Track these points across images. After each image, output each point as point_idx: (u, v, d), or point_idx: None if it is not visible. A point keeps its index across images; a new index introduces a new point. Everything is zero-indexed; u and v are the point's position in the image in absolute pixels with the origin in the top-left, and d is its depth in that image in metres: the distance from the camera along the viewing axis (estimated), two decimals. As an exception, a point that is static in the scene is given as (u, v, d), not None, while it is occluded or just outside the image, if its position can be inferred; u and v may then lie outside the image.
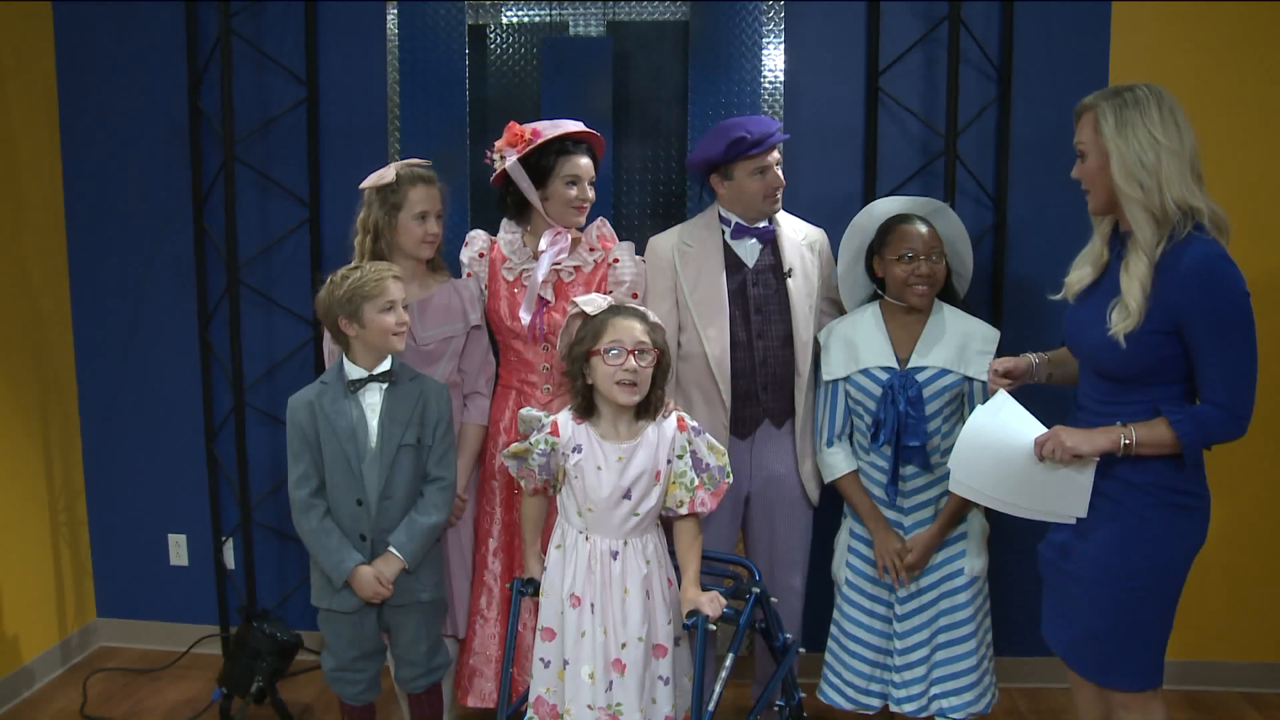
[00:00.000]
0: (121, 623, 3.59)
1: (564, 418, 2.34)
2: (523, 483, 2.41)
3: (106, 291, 3.45)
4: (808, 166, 3.13)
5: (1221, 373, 1.95)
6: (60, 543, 3.44)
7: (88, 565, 3.56)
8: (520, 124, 2.68)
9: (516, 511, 2.65)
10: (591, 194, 2.72)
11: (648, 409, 2.30)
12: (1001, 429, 2.16)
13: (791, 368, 2.70)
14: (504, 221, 2.80)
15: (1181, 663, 3.17)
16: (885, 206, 2.68)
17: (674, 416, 2.33)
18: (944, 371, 2.55)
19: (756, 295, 2.69)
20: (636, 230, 3.12)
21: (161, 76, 3.31)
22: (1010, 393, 2.23)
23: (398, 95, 3.22)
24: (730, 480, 2.35)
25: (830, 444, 2.69)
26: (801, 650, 2.70)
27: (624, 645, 2.23)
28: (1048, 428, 2.12)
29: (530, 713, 2.34)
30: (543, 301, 2.69)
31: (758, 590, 2.40)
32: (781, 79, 3.12)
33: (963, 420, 2.59)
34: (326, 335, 2.63)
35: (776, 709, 2.62)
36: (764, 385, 2.69)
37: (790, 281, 2.70)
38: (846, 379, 2.64)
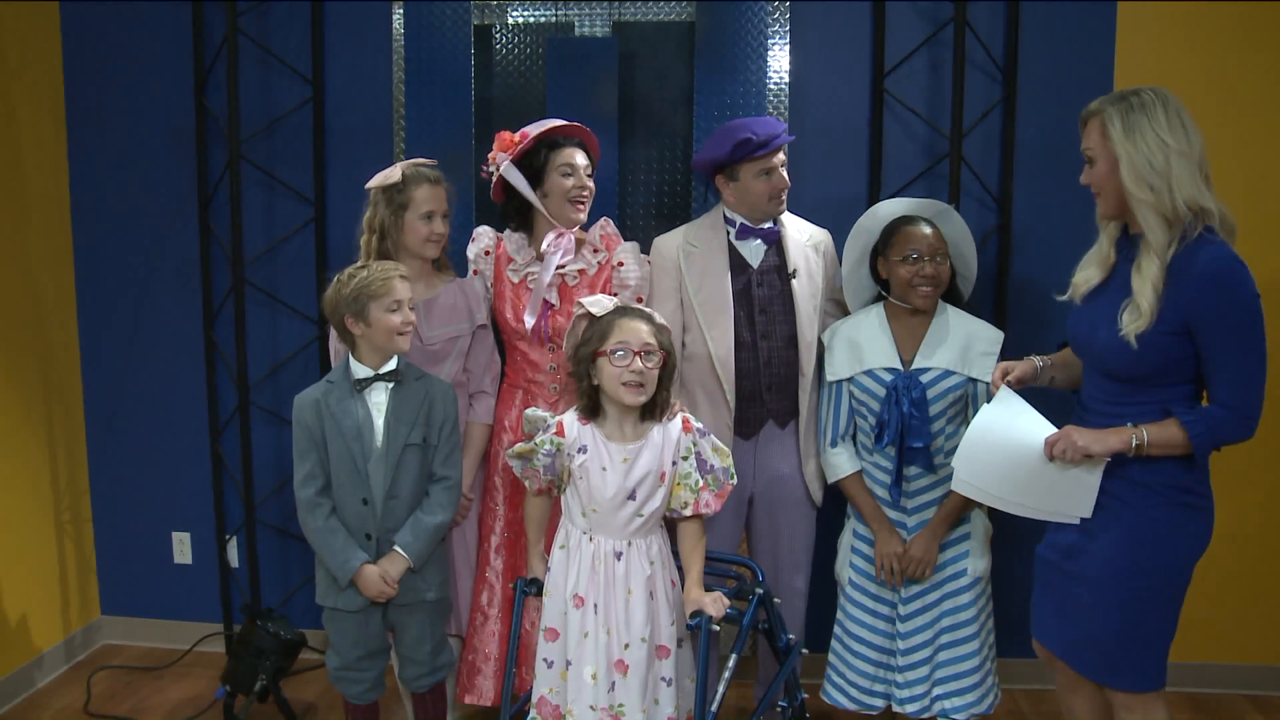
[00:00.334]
0: (125, 620, 3.59)
1: (569, 418, 2.34)
2: (527, 483, 2.41)
3: (111, 290, 3.46)
4: (813, 167, 3.13)
5: (1232, 374, 1.97)
6: (65, 540, 3.45)
7: (92, 563, 3.57)
8: (510, 131, 2.71)
9: (521, 510, 2.65)
10: (590, 185, 2.72)
11: (653, 410, 2.30)
12: (1009, 428, 2.15)
13: (795, 368, 2.70)
14: (507, 230, 2.81)
15: (1184, 664, 3.17)
16: (890, 208, 2.69)
17: (679, 418, 2.34)
18: (948, 373, 2.55)
19: (761, 296, 2.69)
20: (641, 231, 3.12)
21: (167, 76, 3.31)
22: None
23: (403, 95, 3.22)
24: (734, 482, 2.36)
25: (834, 444, 2.69)
26: (805, 651, 2.70)
27: (627, 646, 2.24)
28: (1056, 427, 2.12)
29: (533, 712, 2.34)
30: (547, 305, 2.70)
31: (761, 591, 2.40)
32: (787, 80, 3.12)
33: (967, 421, 2.59)
34: (332, 334, 2.64)
35: (779, 710, 2.62)
36: (768, 386, 2.70)
37: (795, 282, 2.70)
38: (850, 380, 2.64)
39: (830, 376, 2.68)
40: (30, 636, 3.26)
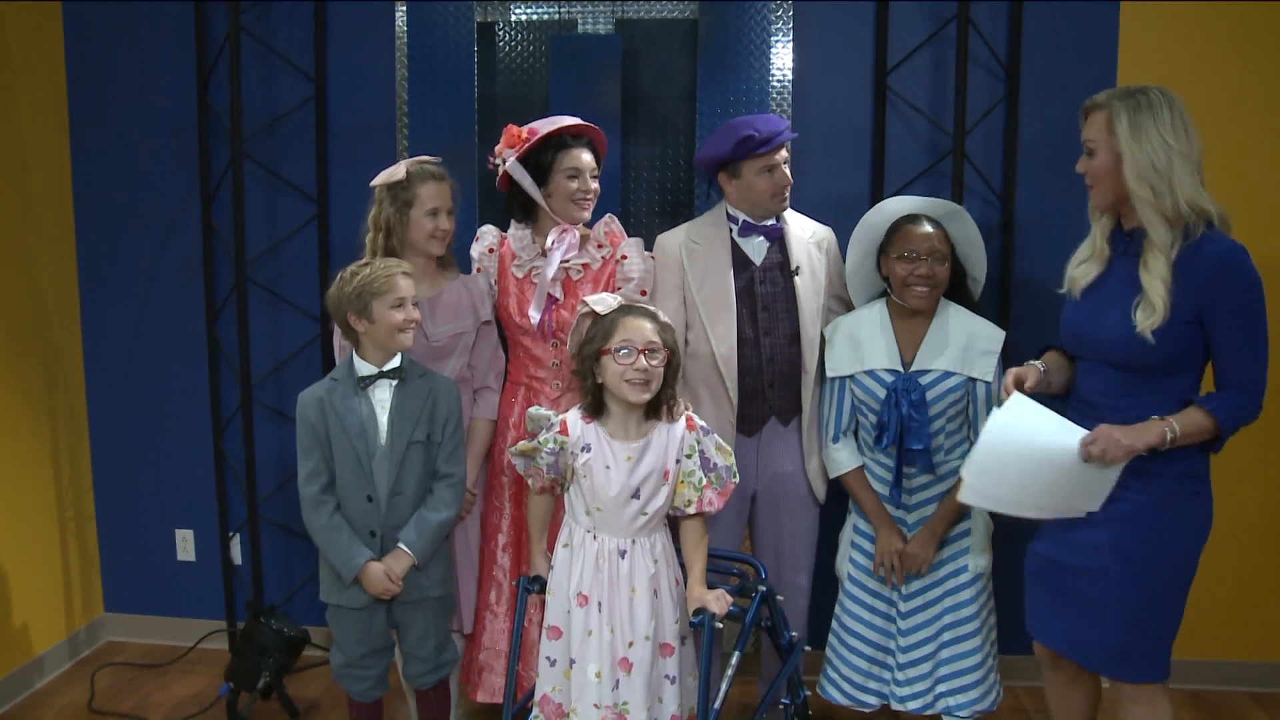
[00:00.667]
0: (129, 618, 3.60)
1: (573, 417, 2.34)
2: (530, 481, 2.41)
3: (114, 288, 3.46)
4: (816, 165, 3.13)
5: (1244, 358, 2.03)
6: (68, 538, 3.45)
7: (95, 560, 3.58)
8: (518, 125, 2.69)
9: (525, 507, 2.66)
10: (594, 186, 2.72)
11: (657, 408, 2.30)
12: (1032, 433, 2.08)
13: (798, 365, 2.70)
14: (513, 222, 2.81)
15: (1187, 662, 3.17)
16: (898, 205, 2.67)
17: (683, 416, 2.34)
18: (947, 374, 2.55)
19: (764, 293, 2.70)
20: (644, 228, 3.12)
21: (170, 74, 3.32)
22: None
23: (406, 93, 3.23)
24: (737, 480, 2.35)
25: (835, 440, 2.70)
26: (807, 648, 2.70)
27: (631, 644, 2.24)
28: (1084, 427, 2.07)
29: (535, 711, 2.34)
30: (551, 299, 2.70)
31: (764, 588, 2.40)
32: (790, 77, 3.12)
33: (968, 422, 2.60)
34: (336, 331, 2.64)
35: (782, 707, 2.62)
36: (771, 383, 2.70)
37: (797, 279, 2.70)
38: (851, 378, 2.64)
39: (830, 373, 2.68)
40: (33, 634, 3.27)
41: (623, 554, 2.27)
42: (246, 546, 3.37)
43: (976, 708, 2.61)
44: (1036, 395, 2.20)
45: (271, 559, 3.42)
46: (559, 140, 2.67)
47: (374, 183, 2.65)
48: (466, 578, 2.75)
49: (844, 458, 2.68)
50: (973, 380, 2.57)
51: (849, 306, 2.81)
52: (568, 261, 2.71)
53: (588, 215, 2.74)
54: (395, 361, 2.45)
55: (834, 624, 2.73)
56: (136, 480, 3.53)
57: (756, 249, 2.72)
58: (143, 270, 3.43)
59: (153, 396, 3.48)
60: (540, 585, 2.39)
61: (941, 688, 2.61)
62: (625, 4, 3.16)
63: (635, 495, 2.26)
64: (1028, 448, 2.08)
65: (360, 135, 3.28)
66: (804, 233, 2.77)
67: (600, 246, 2.75)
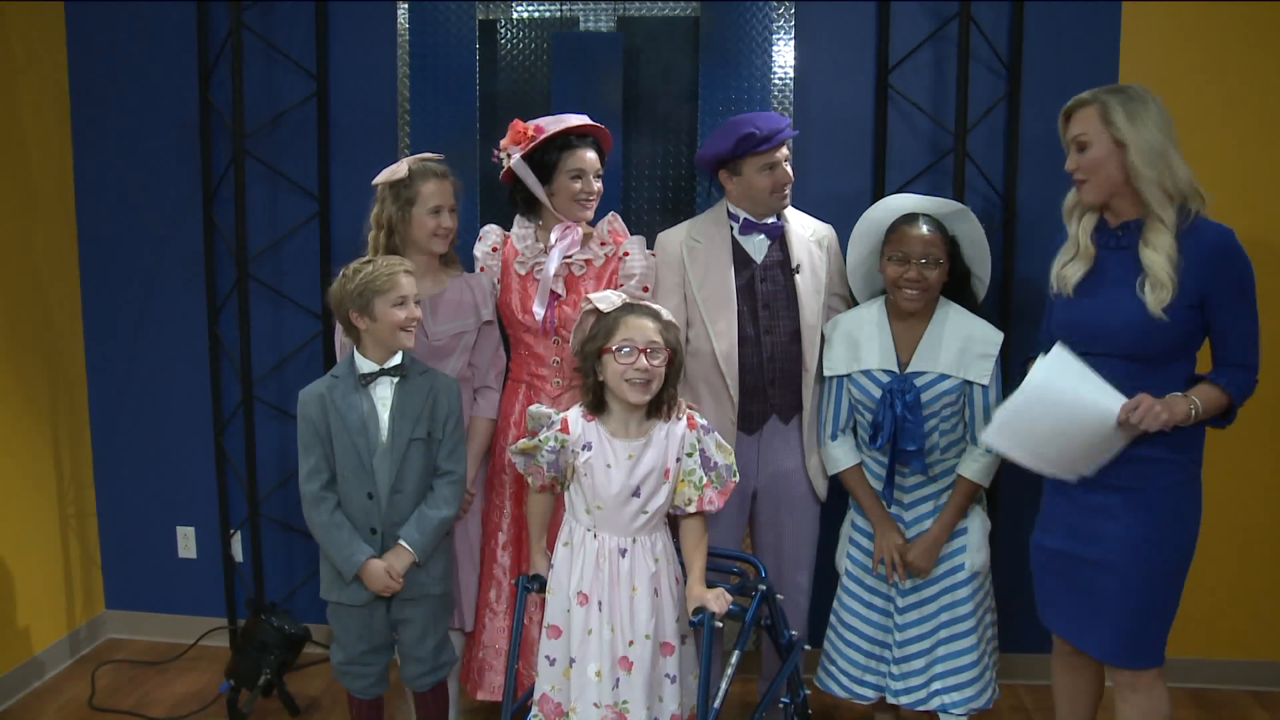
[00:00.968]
0: (130, 615, 3.60)
1: (574, 415, 2.34)
2: (529, 479, 2.40)
3: (116, 284, 3.46)
4: (817, 163, 3.13)
5: (1243, 337, 2.15)
6: (69, 535, 3.45)
7: (96, 557, 3.58)
8: (524, 121, 2.69)
9: (526, 505, 2.66)
10: (598, 187, 2.72)
11: (658, 407, 2.30)
12: (1071, 389, 2.11)
13: (799, 363, 2.70)
14: (517, 217, 2.81)
15: (1188, 660, 3.18)
16: (902, 202, 2.66)
17: (684, 414, 2.34)
18: (943, 377, 2.55)
19: (764, 291, 2.69)
20: (646, 225, 3.12)
21: (172, 71, 3.32)
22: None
23: (408, 90, 3.23)
24: (737, 479, 2.35)
25: (834, 437, 2.70)
26: (807, 647, 2.70)
27: (631, 643, 2.24)
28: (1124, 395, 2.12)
29: (535, 710, 2.34)
30: (554, 295, 2.70)
31: (764, 587, 2.40)
32: (791, 75, 3.12)
33: (964, 424, 2.59)
34: (338, 328, 2.64)
35: (782, 706, 2.62)
36: (771, 381, 2.70)
37: (798, 277, 2.70)
38: (848, 377, 2.64)
39: (827, 371, 2.68)
40: (34, 631, 3.27)
41: (623, 553, 2.27)
42: (247, 544, 3.38)
43: (972, 705, 2.60)
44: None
45: (272, 556, 3.43)
46: (564, 140, 2.66)
47: (376, 180, 2.64)
48: (467, 576, 2.76)
49: (842, 455, 2.68)
50: (969, 383, 2.56)
51: (850, 304, 2.80)
52: (570, 258, 2.71)
53: (590, 215, 2.74)
54: (396, 359, 2.45)
55: (832, 618, 2.74)
56: (137, 477, 3.53)
57: (757, 247, 2.72)
58: (144, 267, 3.43)
59: (154, 393, 3.48)
60: (539, 584, 2.39)
61: (937, 684, 2.61)
62: (627, 2, 3.16)
63: (636, 493, 2.26)
64: (1066, 402, 2.12)
65: (362, 132, 3.28)
66: (805, 231, 2.76)
67: (603, 244, 2.75)
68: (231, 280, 3.29)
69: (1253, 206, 3.04)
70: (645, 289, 2.72)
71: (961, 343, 2.55)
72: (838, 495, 2.77)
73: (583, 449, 2.29)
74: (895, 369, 2.57)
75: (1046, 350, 2.34)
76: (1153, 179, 2.12)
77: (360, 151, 3.27)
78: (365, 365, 2.44)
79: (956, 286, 2.66)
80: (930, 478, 2.60)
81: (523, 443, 2.36)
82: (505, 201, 2.88)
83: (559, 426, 2.32)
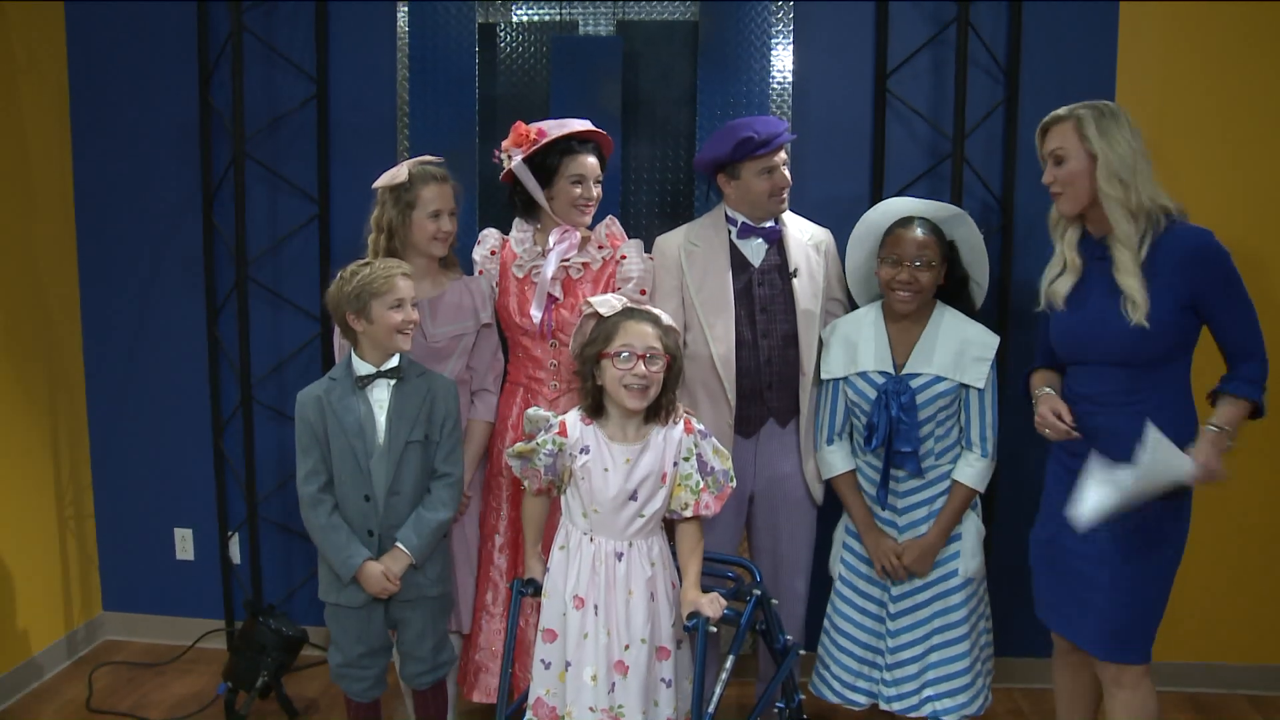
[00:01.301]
0: (127, 616, 3.60)
1: (572, 418, 2.34)
2: (525, 483, 2.41)
3: (115, 286, 3.47)
4: (815, 167, 3.14)
5: (1244, 328, 2.19)
6: (67, 536, 3.46)
7: (94, 559, 3.58)
8: (526, 124, 2.70)
9: (521, 509, 2.66)
10: (597, 193, 2.73)
11: (656, 412, 2.30)
12: (1157, 473, 2.14)
13: (796, 367, 2.71)
14: (516, 220, 2.82)
15: (1185, 664, 3.18)
16: (900, 205, 2.67)
17: (681, 419, 2.34)
18: (938, 379, 2.55)
19: (762, 295, 2.70)
20: (644, 229, 3.12)
21: (172, 73, 3.32)
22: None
23: (407, 93, 3.23)
24: (734, 485, 2.35)
25: (830, 442, 2.70)
26: (802, 652, 2.70)
27: (627, 647, 2.24)
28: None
29: (529, 714, 2.33)
30: (551, 298, 2.71)
31: (759, 592, 2.40)
32: (790, 80, 3.13)
33: (959, 428, 2.60)
34: (337, 330, 2.65)
35: (777, 710, 2.62)
36: (769, 384, 2.70)
37: (796, 281, 2.70)
38: (844, 380, 2.65)
39: (824, 375, 2.68)
40: (32, 632, 3.27)
41: (619, 556, 2.27)
42: (245, 546, 3.38)
43: (964, 712, 2.60)
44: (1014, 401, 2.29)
45: (270, 558, 3.43)
46: (566, 144, 2.67)
47: (376, 184, 2.65)
48: (465, 578, 2.76)
49: (837, 460, 2.69)
50: (965, 387, 2.57)
51: (847, 309, 2.81)
52: (568, 261, 2.71)
53: (588, 220, 2.75)
54: (394, 361, 2.45)
55: (825, 623, 2.74)
56: (136, 479, 3.53)
57: (755, 251, 2.72)
58: (144, 269, 3.44)
59: (153, 395, 3.49)
60: (534, 588, 2.39)
61: (929, 690, 2.61)
62: (626, 5, 3.16)
63: (633, 497, 2.26)
64: (1153, 481, 2.15)
65: (361, 135, 3.29)
66: (802, 235, 2.77)
67: (601, 247, 2.76)
68: (231, 282, 3.29)
69: (1251, 208, 3.05)
70: (643, 292, 2.72)
71: (958, 346, 2.56)
72: (834, 500, 2.77)
73: (580, 452, 2.29)
74: (891, 371, 2.58)
75: (1044, 361, 2.44)
76: (1116, 197, 2.18)
77: (360, 154, 3.27)
78: (362, 367, 2.44)
79: (954, 291, 2.66)
80: (924, 482, 2.60)
81: (519, 446, 2.36)
82: (504, 205, 2.89)
83: (557, 429, 2.32)
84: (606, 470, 2.26)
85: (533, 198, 2.73)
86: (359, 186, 3.08)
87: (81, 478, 3.52)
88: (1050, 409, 2.31)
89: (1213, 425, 2.17)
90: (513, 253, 2.78)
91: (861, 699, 2.67)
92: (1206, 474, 2.13)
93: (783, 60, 3.12)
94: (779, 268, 2.72)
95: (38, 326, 3.32)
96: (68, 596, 3.45)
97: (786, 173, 2.68)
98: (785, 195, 2.71)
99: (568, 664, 2.27)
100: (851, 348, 2.63)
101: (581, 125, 2.70)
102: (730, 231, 2.73)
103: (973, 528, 2.63)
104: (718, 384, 2.67)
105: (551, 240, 2.71)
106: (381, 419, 2.44)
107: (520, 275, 2.75)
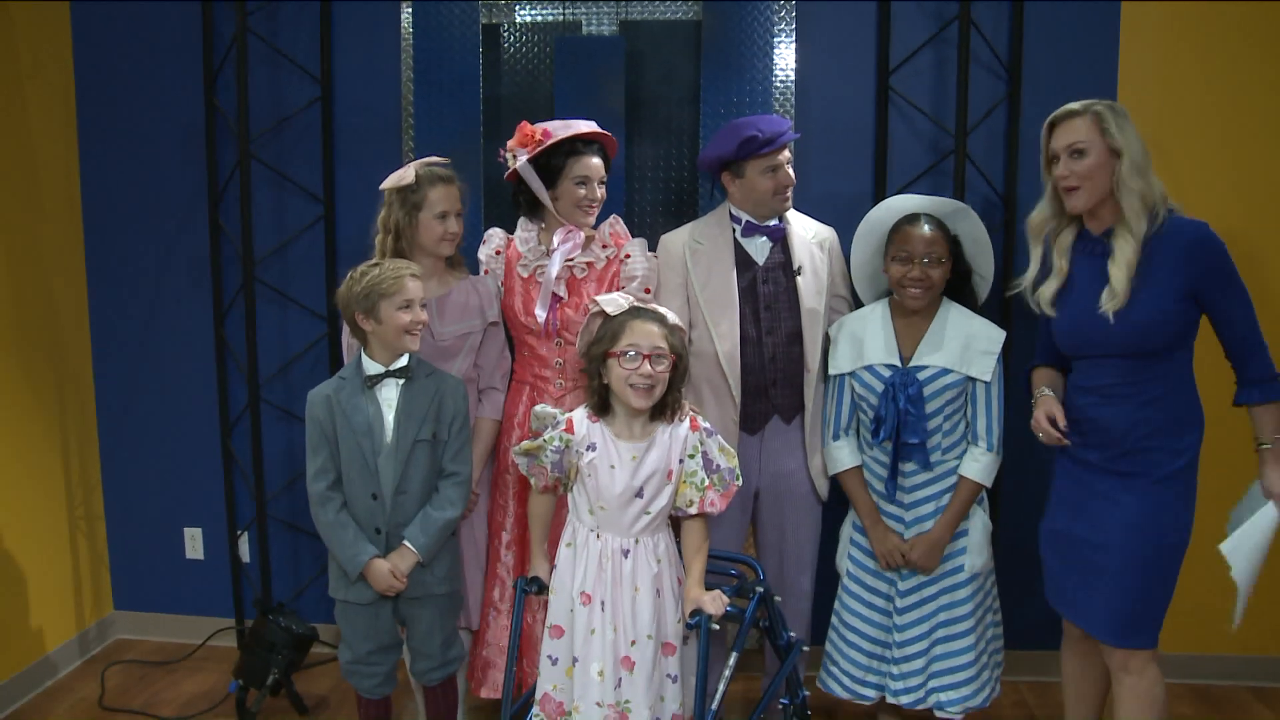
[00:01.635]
0: (138, 615, 3.63)
1: (579, 415, 2.36)
2: (532, 480, 2.43)
3: (123, 288, 3.49)
4: (818, 165, 3.15)
5: (1245, 318, 2.24)
6: (78, 536, 3.48)
7: (105, 558, 3.61)
8: (532, 124, 2.71)
9: (528, 506, 2.68)
10: (601, 194, 2.74)
11: (662, 410, 2.32)
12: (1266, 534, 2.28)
13: (801, 364, 2.73)
14: (521, 219, 2.83)
15: (1188, 656, 3.20)
16: (904, 202, 2.69)
17: (687, 417, 2.36)
18: (945, 371, 2.57)
19: (766, 292, 2.72)
20: (648, 228, 3.14)
21: (177, 75, 3.34)
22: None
23: (412, 94, 3.25)
24: (740, 483, 2.37)
25: (836, 437, 2.72)
26: (806, 648, 2.72)
27: (634, 643, 2.26)
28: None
29: (536, 709, 2.36)
30: (556, 298, 2.72)
31: (761, 589, 2.42)
32: (793, 78, 3.14)
33: (965, 421, 2.62)
34: (345, 330, 2.66)
35: (781, 707, 2.64)
36: (773, 381, 2.72)
37: (800, 279, 2.72)
38: (851, 374, 2.67)
39: (833, 370, 2.70)
40: (44, 632, 3.30)
41: (626, 553, 2.29)
42: (254, 545, 3.40)
43: (968, 704, 2.63)
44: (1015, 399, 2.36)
45: (279, 557, 3.45)
46: (571, 145, 2.68)
47: (384, 185, 2.66)
48: (473, 575, 2.78)
49: (844, 456, 2.71)
50: (971, 380, 2.59)
51: (851, 306, 2.83)
52: (572, 260, 2.73)
53: (592, 221, 2.76)
54: (403, 361, 2.47)
55: (833, 619, 2.76)
56: (145, 479, 3.55)
57: (759, 249, 2.74)
58: (151, 270, 3.46)
59: (161, 396, 3.51)
60: (538, 586, 2.40)
61: (934, 683, 2.64)
62: (629, 5, 3.18)
63: (639, 494, 2.28)
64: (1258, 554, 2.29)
65: (366, 136, 3.30)
66: (806, 233, 2.79)
67: (605, 246, 2.78)
68: (238, 283, 3.31)
69: (1251, 206, 3.06)
70: (647, 290, 2.74)
71: (964, 339, 2.58)
72: (839, 496, 2.79)
73: (587, 449, 2.31)
74: (898, 364, 2.60)
75: (1044, 357, 2.49)
76: (1139, 190, 2.22)
77: (365, 155, 3.29)
78: (371, 367, 2.46)
79: (958, 285, 2.68)
80: (932, 476, 2.62)
81: (526, 444, 2.38)
82: (509, 205, 2.91)
83: (564, 426, 2.34)
84: (613, 467, 2.28)
85: (537, 197, 2.75)
86: (364, 187, 3.10)
87: (91, 478, 3.54)
88: (1046, 414, 2.36)
89: (1267, 443, 2.25)
90: (517, 252, 2.80)
91: (871, 693, 2.70)
92: None
93: (785, 59, 3.14)
94: (783, 265, 2.73)
95: (46, 328, 3.34)
96: (79, 596, 3.48)
97: (790, 171, 2.70)
98: (789, 193, 2.72)
99: (575, 659, 2.29)
100: (858, 343, 2.65)
101: (587, 126, 2.71)
102: (735, 230, 2.74)
103: (979, 524, 2.65)
104: (723, 381, 2.69)
105: (556, 240, 2.73)
106: (390, 418, 2.45)
107: (525, 275, 2.77)
